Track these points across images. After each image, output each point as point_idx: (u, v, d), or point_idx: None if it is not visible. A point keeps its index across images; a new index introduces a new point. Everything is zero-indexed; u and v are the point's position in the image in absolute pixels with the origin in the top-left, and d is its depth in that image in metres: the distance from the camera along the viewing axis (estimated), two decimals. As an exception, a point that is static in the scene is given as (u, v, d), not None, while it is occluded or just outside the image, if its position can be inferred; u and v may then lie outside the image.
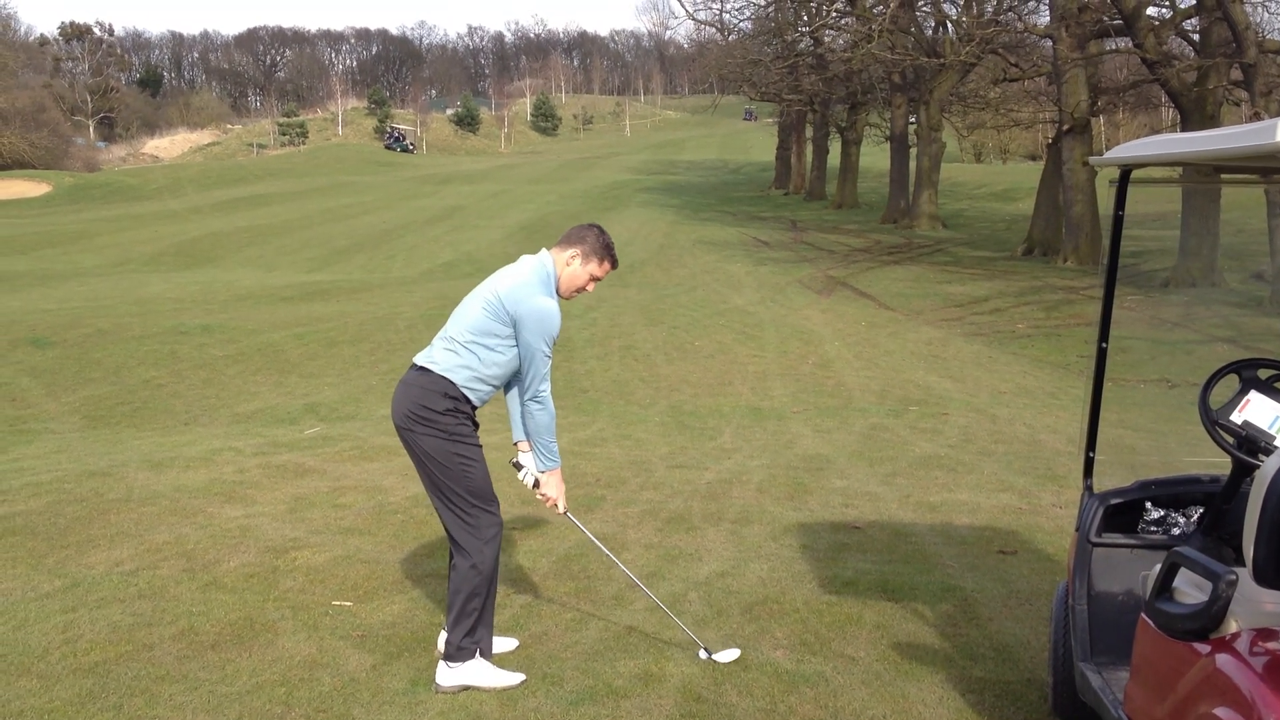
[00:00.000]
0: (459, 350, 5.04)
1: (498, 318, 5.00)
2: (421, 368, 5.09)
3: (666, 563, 6.83)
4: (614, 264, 5.30)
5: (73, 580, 6.44)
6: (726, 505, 8.31)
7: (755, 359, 18.15)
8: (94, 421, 14.41)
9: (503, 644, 5.46)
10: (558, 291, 5.18)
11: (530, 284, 5.04)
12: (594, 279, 5.27)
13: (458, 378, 5.02)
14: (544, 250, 5.25)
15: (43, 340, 19.41)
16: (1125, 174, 4.39)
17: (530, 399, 5.10)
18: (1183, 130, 28.90)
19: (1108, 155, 4.28)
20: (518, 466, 5.37)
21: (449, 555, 5.23)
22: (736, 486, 8.98)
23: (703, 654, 5.31)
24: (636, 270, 32.61)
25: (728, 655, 5.30)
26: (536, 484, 5.31)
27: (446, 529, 5.15)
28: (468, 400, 5.06)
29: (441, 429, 5.00)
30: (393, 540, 7.33)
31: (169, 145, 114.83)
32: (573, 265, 5.20)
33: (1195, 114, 27.22)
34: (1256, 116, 23.31)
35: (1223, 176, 4.82)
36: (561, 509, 5.34)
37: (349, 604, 6.10)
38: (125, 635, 5.62)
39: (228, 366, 17.74)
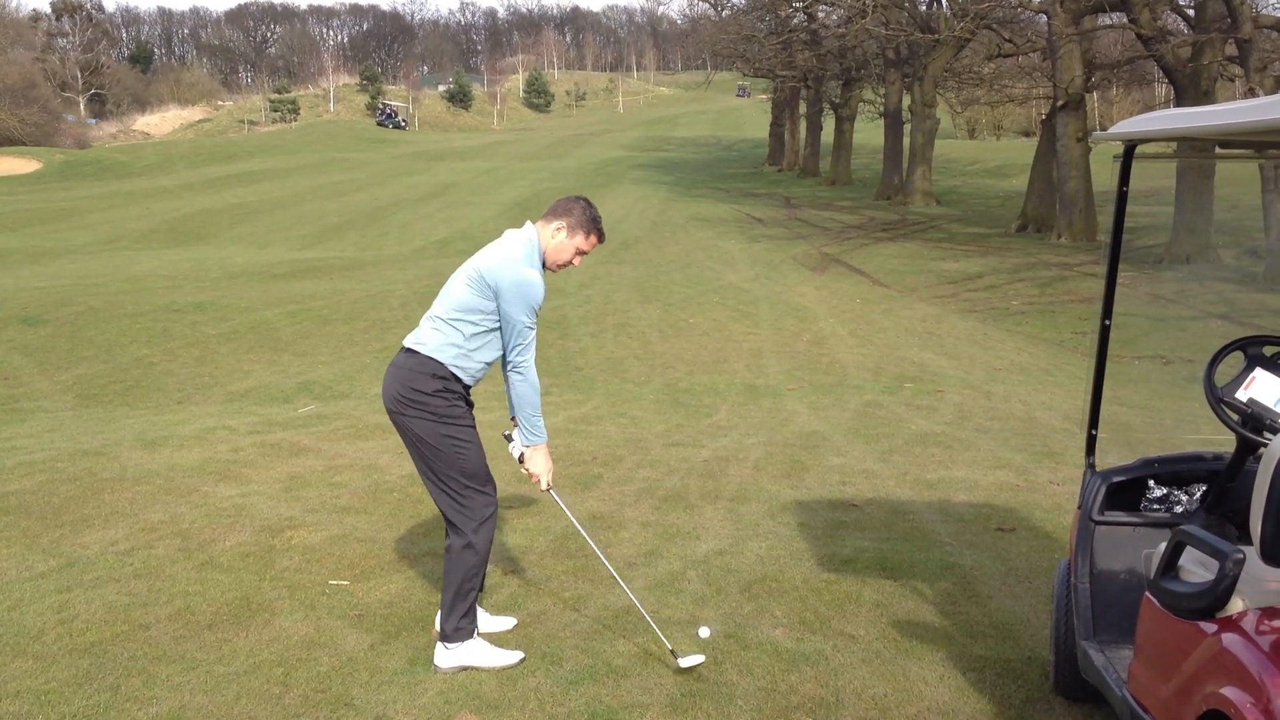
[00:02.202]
0: (444, 328, 4.99)
1: (481, 292, 4.95)
2: (409, 349, 5.04)
3: (664, 541, 6.80)
4: (600, 238, 5.24)
5: (67, 560, 6.41)
6: (723, 483, 8.28)
7: (750, 336, 18.12)
8: (87, 400, 14.36)
9: (501, 623, 5.44)
10: (544, 265, 5.13)
11: (513, 257, 4.98)
12: (580, 253, 5.19)
13: (444, 356, 4.97)
14: (529, 223, 5.19)
15: (34, 318, 19.33)
16: (1130, 149, 4.35)
17: (511, 369, 5.03)
18: (1177, 106, 28.88)
19: (1112, 130, 4.23)
20: (508, 439, 5.30)
21: (445, 535, 5.20)
22: (733, 464, 8.95)
23: (685, 661, 5.03)
24: (630, 247, 32.55)
25: (690, 660, 4.99)
26: (522, 458, 5.27)
27: (441, 510, 5.12)
28: (457, 379, 5.00)
29: (431, 411, 4.95)
30: (389, 519, 7.30)
31: (160, 122, 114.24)
32: (558, 237, 5.13)
33: (1190, 89, 27.17)
34: (1251, 92, 23.29)
35: (1219, 151, 4.79)
36: (544, 486, 5.25)
37: (346, 583, 6.08)
38: (121, 615, 5.59)
39: (221, 344, 17.67)
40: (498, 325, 4.98)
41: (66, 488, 7.98)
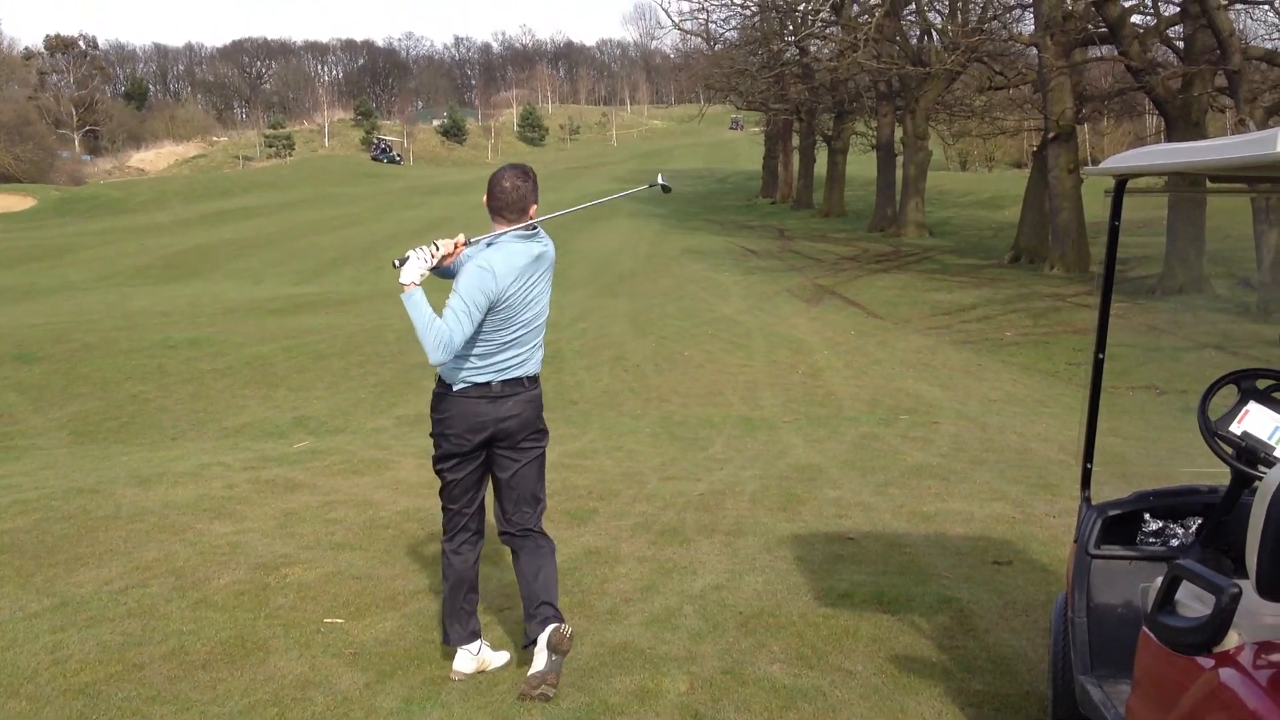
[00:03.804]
0: None
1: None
2: None
3: (661, 576, 6.78)
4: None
5: (61, 599, 6.38)
6: (720, 517, 8.27)
7: (745, 368, 18.13)
8: (81, 437, 14.33)
9: (495, 658, 5.43)
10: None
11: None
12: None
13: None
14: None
15: (29, 355, 19.30)
16: (1121, 184, 4.37)
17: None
18: (1168, 137, 29.07)
19: (1103, 165, 4.26)
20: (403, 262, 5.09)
21: None
22: (729, 498, 8.94)
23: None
24: (625, 280, 32.61)
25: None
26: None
27: None
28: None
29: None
30: (384, 555, 7.27)
31: (154, 158, 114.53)
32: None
33: (1180, 121, 27.32)
34: (1241, 123, 23.42)
35: (1210, 186, 4.82)
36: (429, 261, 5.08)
37: (341, 621, 6.05)
38: (115, 655, 5.56)
39: (215, 380, 17.65)
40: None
41: (60, 526, 7.95)
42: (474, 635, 5.33)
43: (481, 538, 5.36)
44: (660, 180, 5.64)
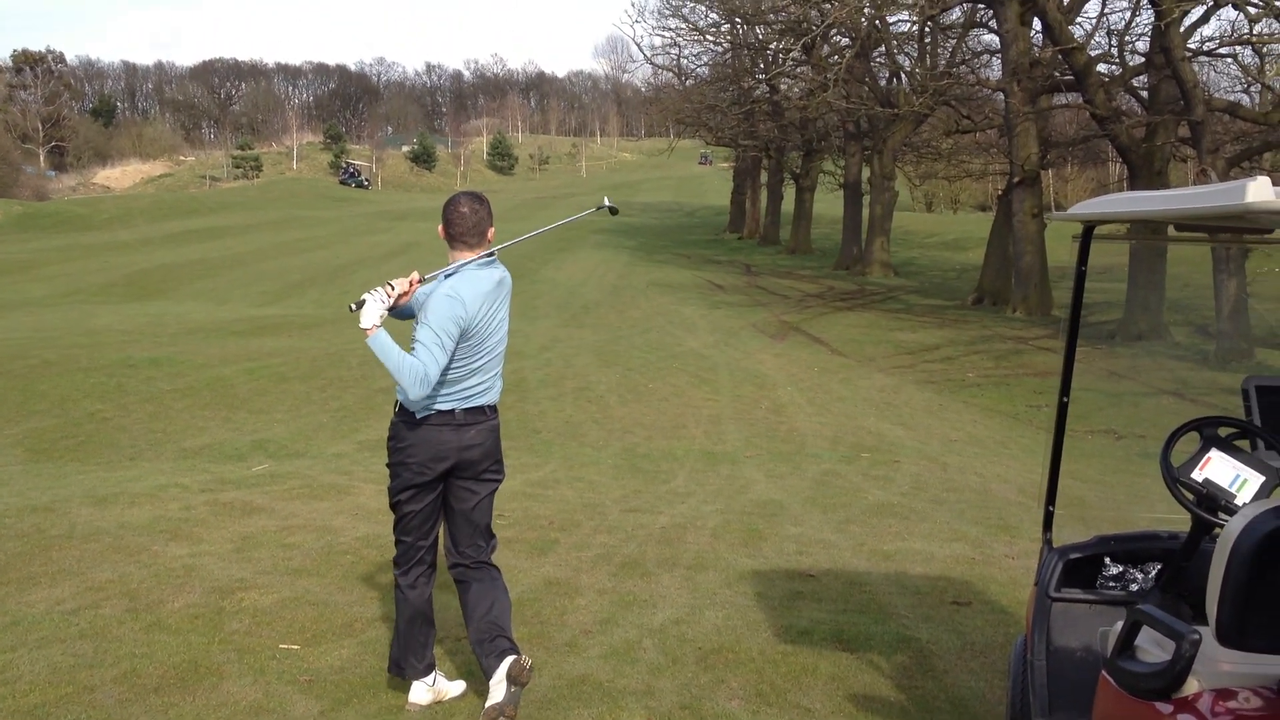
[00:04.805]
0: None
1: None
2: None
3: (620, 609, 6.75)
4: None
5: (12, 619, 6.28)
6: (681, 550, 8.25)
7: (709, 402, 18.14)
8: (37, 455, 14.13)
9: (451, 687, 5.38)
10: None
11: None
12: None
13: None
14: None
15: (-14, 370, 19.05)
16: (1088, 230, 4.41)
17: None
18: (1130, 185, 29.49)
19: (1071, 211, 4.30)
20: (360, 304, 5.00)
21: None
22: (691, 531, 8.92)
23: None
24: (590, 311, 32.62)
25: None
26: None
27: None
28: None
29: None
30: (342, 582, 7.21)
31: (120, 176, 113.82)
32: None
33: (1143, 169, 27.73)
34: (1204, 173, 23.77)
35: (1172, 234, 4.87)
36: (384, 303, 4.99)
37: (296, 647, 5.98)
38: (66, 677, 5.47)
39: (175, 401, 17.47)
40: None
41: (13, 544, 7.83)
42: (429, 668, 5.29)
43: (435, 570, 5.30)
44: (607, 202, 5.65)
